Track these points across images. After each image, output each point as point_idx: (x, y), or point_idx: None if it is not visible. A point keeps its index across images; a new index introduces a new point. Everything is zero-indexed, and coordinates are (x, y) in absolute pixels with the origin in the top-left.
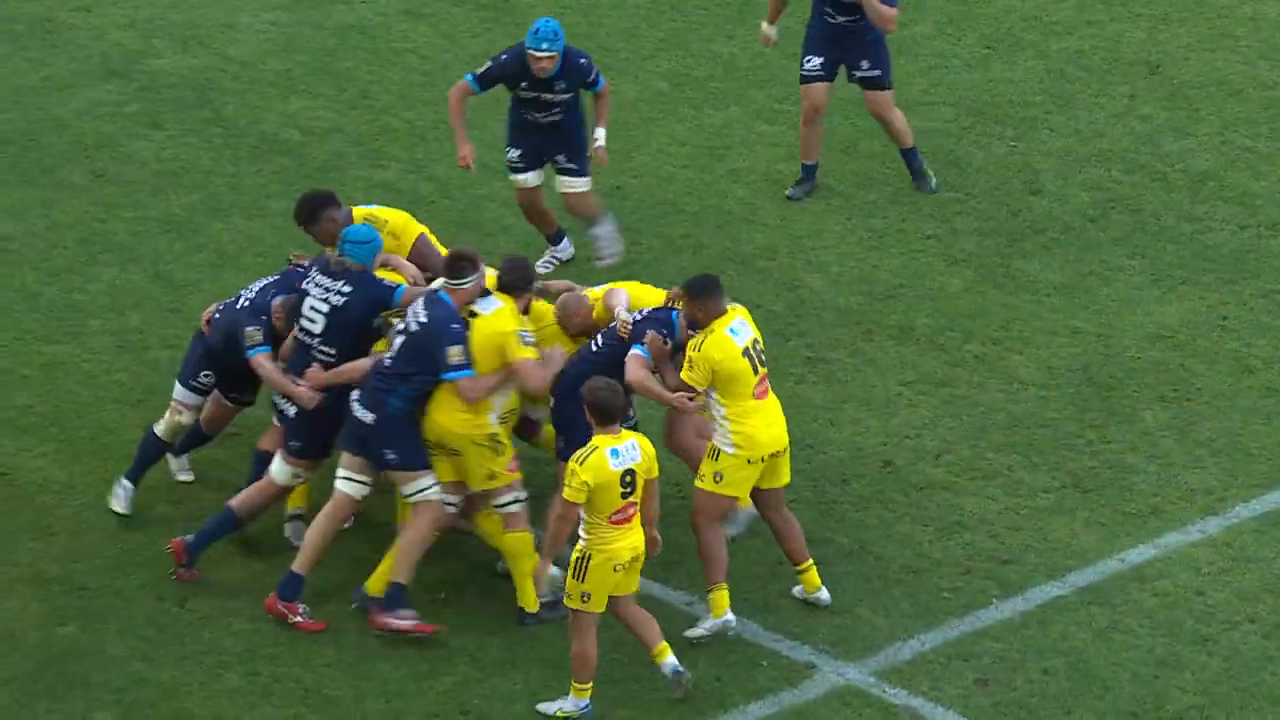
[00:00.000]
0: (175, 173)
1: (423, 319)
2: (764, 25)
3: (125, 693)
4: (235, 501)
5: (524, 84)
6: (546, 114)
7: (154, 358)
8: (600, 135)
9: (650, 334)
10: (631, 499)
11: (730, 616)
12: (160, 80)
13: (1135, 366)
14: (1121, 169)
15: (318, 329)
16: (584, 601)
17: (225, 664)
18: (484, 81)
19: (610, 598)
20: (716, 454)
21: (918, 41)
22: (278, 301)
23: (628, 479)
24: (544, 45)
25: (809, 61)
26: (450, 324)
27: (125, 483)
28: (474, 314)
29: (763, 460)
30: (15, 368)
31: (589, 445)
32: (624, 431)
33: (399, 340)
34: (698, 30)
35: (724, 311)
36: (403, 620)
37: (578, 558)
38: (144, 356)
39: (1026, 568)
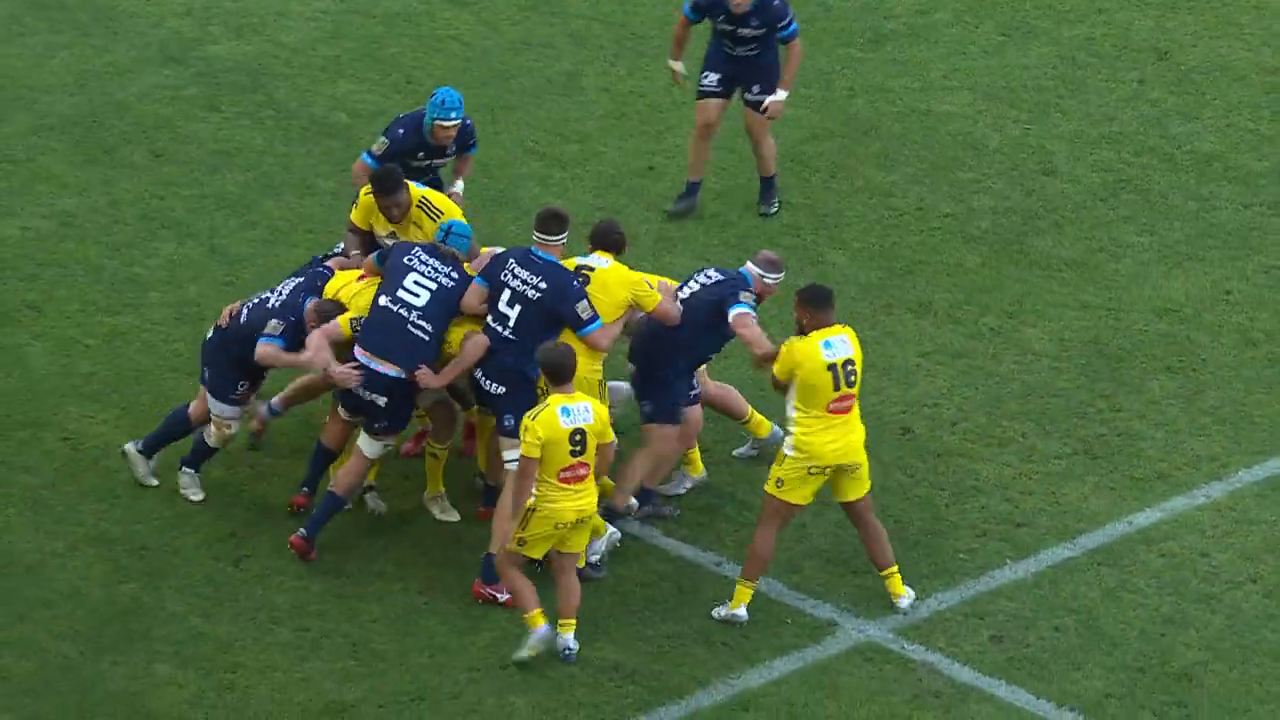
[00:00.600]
0: (230, 153)
1: (540, 285)
2: (672, 63)
3: (184, 646)
4: (336, 487)
5: (421, 154)
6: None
7: (210, 328)
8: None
9: (747, 293)
10: (582, 459)
11: (743, 613)
12: (216, 65)
13: (1143, 339)
14: (1131, 151)
15: (420, 303)
16: (520, 545)
17: (277, 619)
18: (381, 161)
19: (555, 550)
20: (781, 459)
21: (937, 29)
22: (311, 305)
23: (577, 438)
24: (451, 115)
25: (706, 78)
26: (571, 282)
27: (188, 470)
28: (589, 269)
29: (825, 471)
30: (80, 337)
31: (543, 402)
32: (578, 394)
33: (517, 310)
34: None
35: (829, 324)
36: (499, 591)
37: (526, 509)
38: (200, 327)
39: (1039, 530)
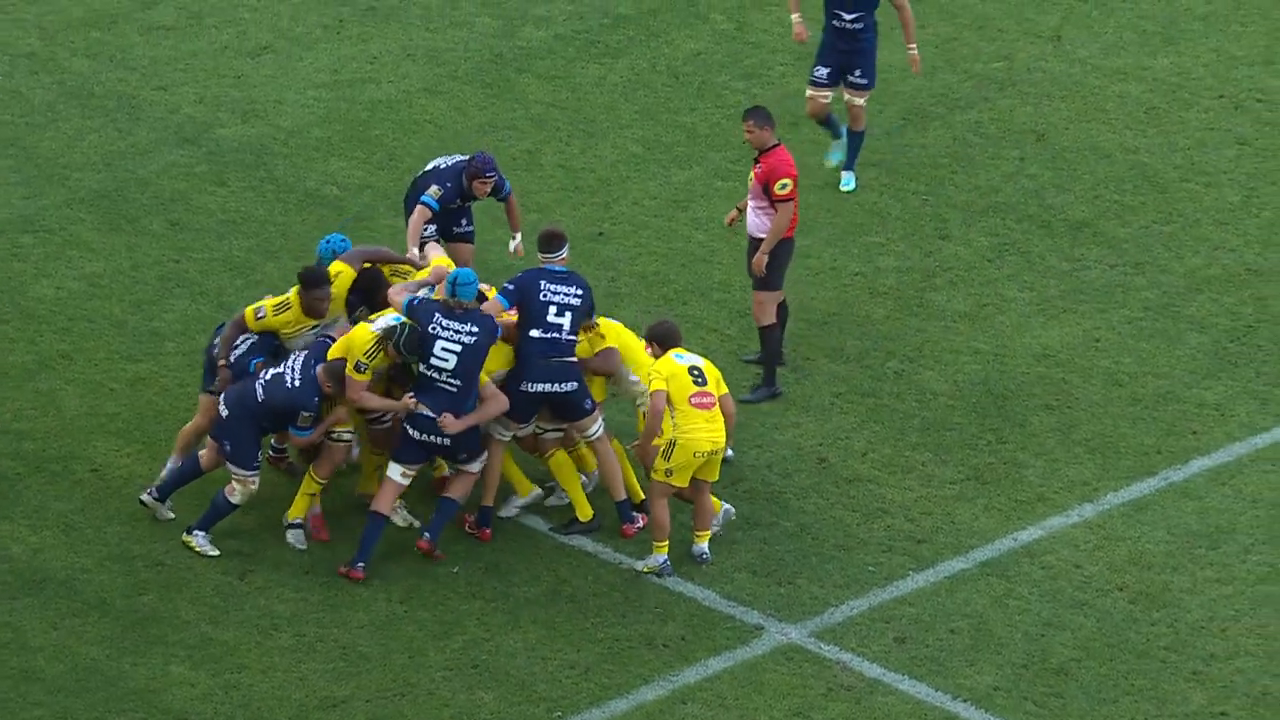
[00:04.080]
0: (236, 222)
1: (578, 292)
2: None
3: (195, 649)
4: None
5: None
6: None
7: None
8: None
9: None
10: (706, 388)
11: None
12: (224, 146)
13: (1025, 380)
14: (1013, 218)
15: (450, 365)
16: (667, 476)
17: (277, 626)
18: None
19: (694, 476)
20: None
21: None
22: (321, 370)
23: (696, 370)
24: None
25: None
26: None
27: (200, 533)
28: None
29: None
30: (106, 382)
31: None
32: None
33: (568, 318)
34: (666, 104)
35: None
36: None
37: (669, 440)
38: None
39: (937, 546)
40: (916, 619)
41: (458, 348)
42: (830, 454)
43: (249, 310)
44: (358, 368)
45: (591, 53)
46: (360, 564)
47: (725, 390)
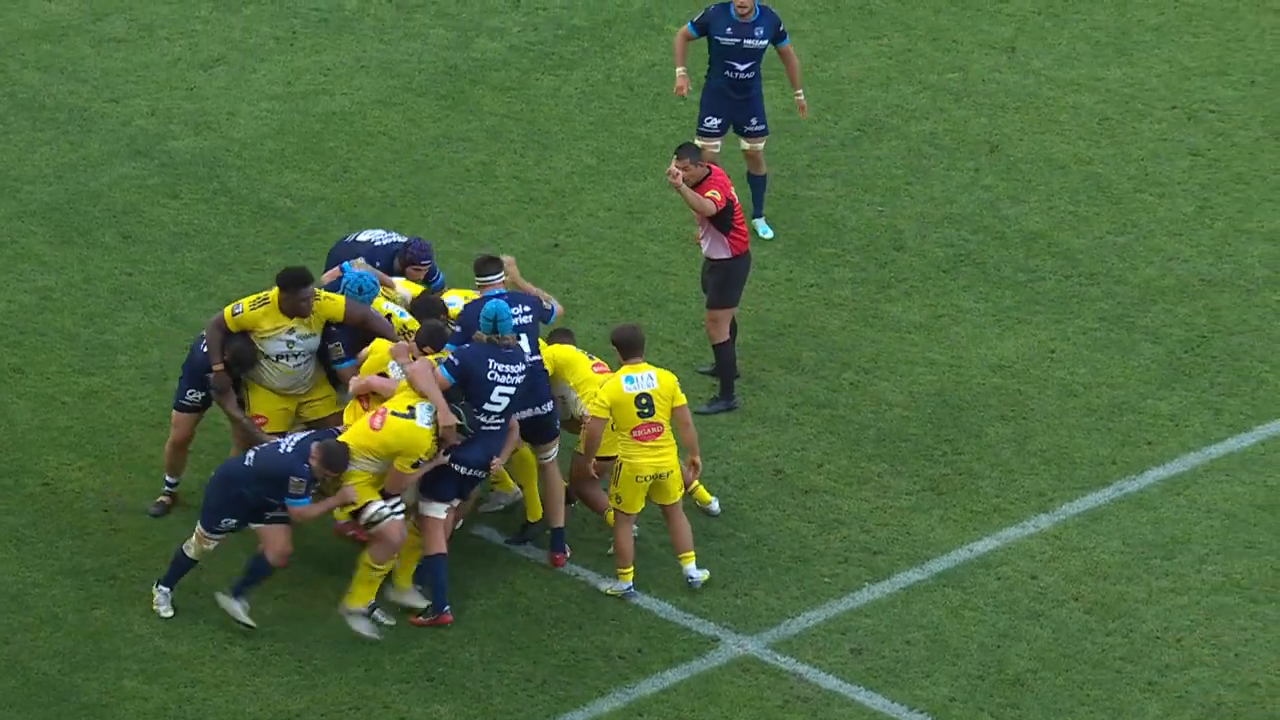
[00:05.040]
0: (189, 234)
1: (527, 309)
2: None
3: (149, 664)
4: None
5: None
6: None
7: (172, 387)
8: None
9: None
10: (652, 419)
11: (627, 585)
12: (177, 158)
13: (980, 391)
14: (968, 229)
15: (501, 408)
16: (618, 502)
17: (231, 640)
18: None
19: (658, 502)
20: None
21: (801, 125)
22: (318, 448)
23: (643, 400)
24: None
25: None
26: (532, 295)
27: (164, 589)
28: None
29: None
30: (58, 395)
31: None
32: (642, 364)
33: (525, 338)
34: (620, 116)
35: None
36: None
37: (615, 467)
38: (163, 386)
39: (893, 557)
40: (873, 630)
41: (512, 390)
42: (786, 465)
43: (227, 310)
44: (417, 465)
45: (546, 64)
46: (445, 607)
47: (683, 401)
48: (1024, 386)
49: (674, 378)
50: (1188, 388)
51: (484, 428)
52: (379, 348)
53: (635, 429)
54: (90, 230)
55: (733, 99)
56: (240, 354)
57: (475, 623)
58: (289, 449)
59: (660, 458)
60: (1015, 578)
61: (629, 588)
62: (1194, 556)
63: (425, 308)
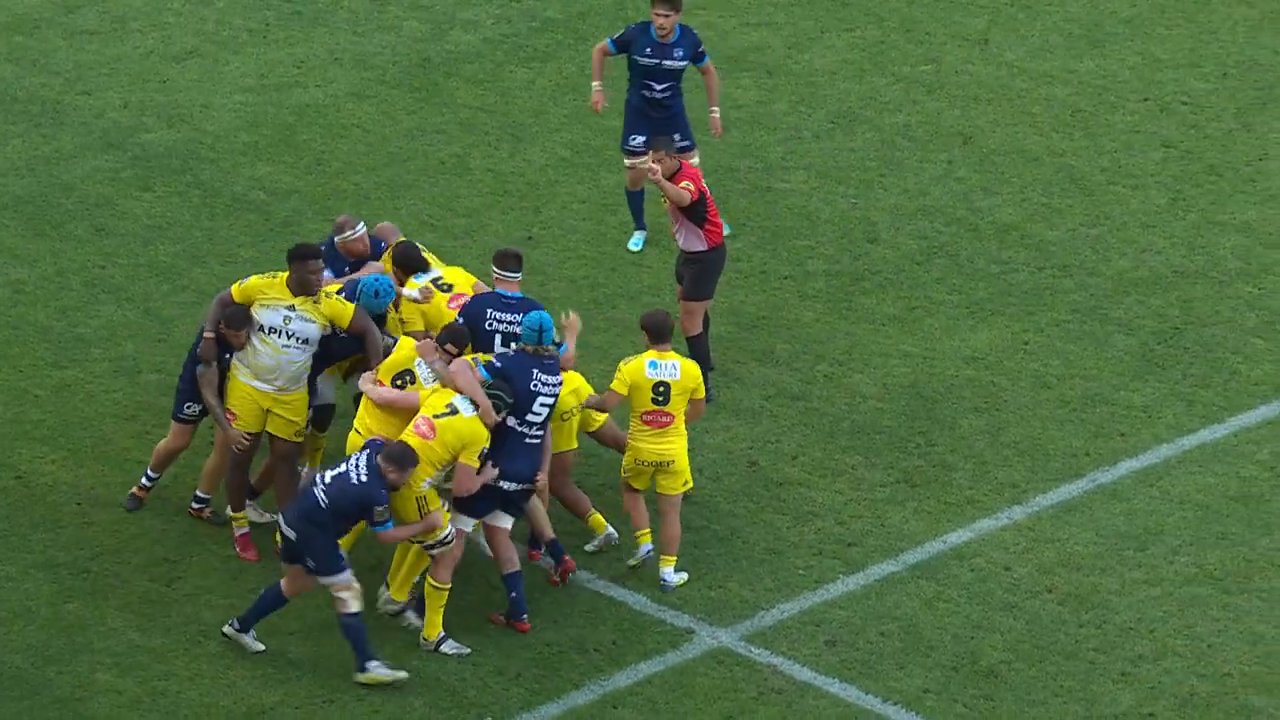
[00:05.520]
0: (162, 227)
1: (517, 319)
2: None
3: (122, 657)
4: (508, 566)
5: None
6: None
7: (145, 380)
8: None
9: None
10: (664, 408)
11: (648, 547)
12: (150, 150)
13: (954, 383)
14: (942, 221)
15: (542, 419)
16: (625, 475)
17: (205, 633)
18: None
19: (657, 493)
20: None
21: (775, 117)
22: (383, 459)
23: (660, 389)
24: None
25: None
26: (536, 304)
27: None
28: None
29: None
30: (30, 389)
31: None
32: (669, 352)
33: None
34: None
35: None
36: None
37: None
38: (137, 379)
39: (867, 549)
40: (847, 622)
41: (551, 400)
42: (760, 457)
43: (235, 283)
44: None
45: (519, 57)
46: (523, 615)
47: (702, 394)
48: (997, 378)
49: (698, 370)
50: (1160, 379)
51: (526, 440)
52: (405, 344)
53: (646, 414)
54: (63, 223)
55: (653, 117)
56: (233, 316)
57: (450, 616)
58: (361, 476)
59: (665, 445)
60: (989, 569)
61: (649, 549)
62: (1167, 548)
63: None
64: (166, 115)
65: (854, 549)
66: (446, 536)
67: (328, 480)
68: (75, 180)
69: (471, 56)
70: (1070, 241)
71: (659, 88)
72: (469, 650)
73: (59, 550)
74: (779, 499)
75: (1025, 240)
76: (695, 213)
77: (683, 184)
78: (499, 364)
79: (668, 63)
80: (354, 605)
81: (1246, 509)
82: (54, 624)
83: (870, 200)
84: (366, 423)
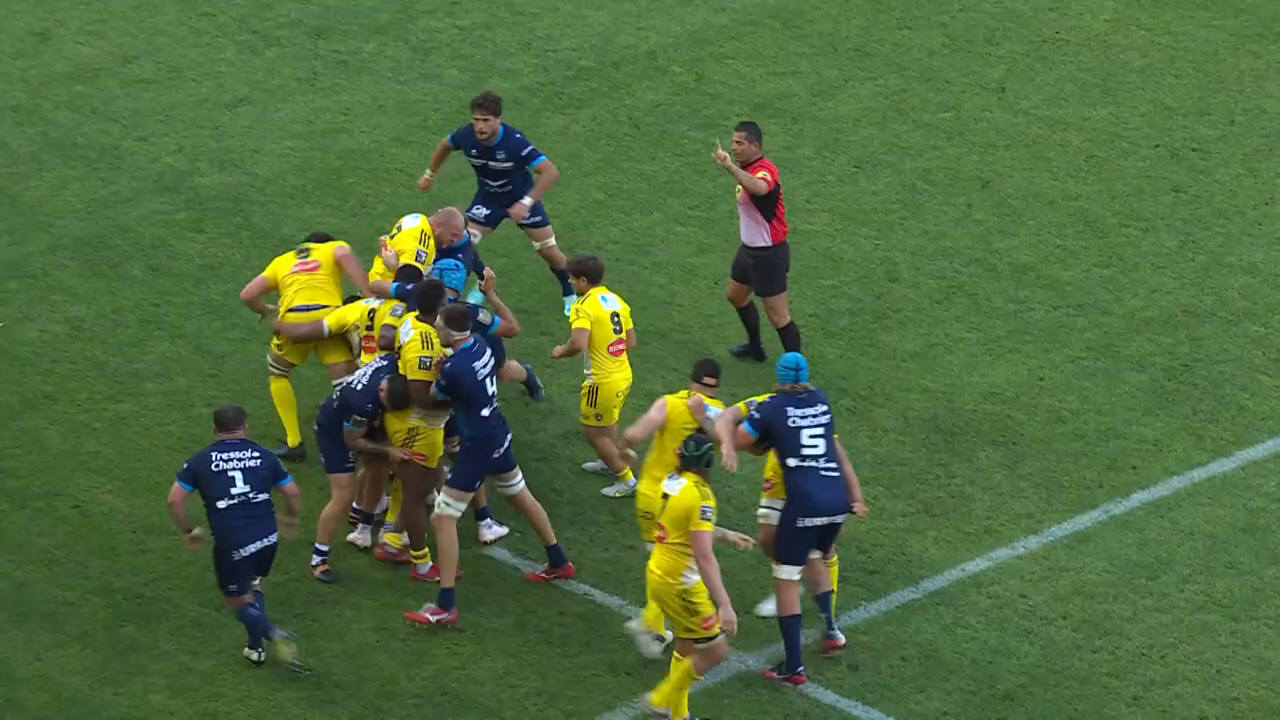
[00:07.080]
0: (214, 267)
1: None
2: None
3: (174, 679)
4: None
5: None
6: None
7: (197, 414)
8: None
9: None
10: (620, 335)
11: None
12: (203, 193)
13: (973, 417)
14: (961, 262)
15: (820, 451)
16: (598, 420)
17: None
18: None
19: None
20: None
21: (800, 161)
22: (384, 383)
23: (616, 318)
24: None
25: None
26: None
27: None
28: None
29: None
30: (88, 422)
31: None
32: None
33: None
34: (627, 153)
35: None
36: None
37: (590, 387)
38: (189, 413)
39: (888, 576)
40: (869, 647)
41: (819, 430)
42: None
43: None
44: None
45: (556, 104)
46: (799, 669)
47: (630, 325)
48: (1014, 413)
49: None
50: (1171, 414)
51: (821, 474)
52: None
53: (611, 345)
54: (119, 263)
55: (498, 198)
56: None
57: (487, 640)
58: (360, 383)
59: (627, 371)
60: (1006, 596)
61: (633, 484)
62: (1177, 576)
63: (407, 274)
64: (219, 160)
65: (876, 576)
66: (715, 636)
67: (344, 385)
68: (131, 222)
69: (510, 104)
70: (1084, 282)
71: (494, 184)
72: (662, 645)
73: (114, 576)
74: None
75: (1041, 280)
76: (766, 205)
77: (760, 174)
78: (758, 414)
79: (492, 164)
80: (346, 498)
81: (1254, 539)
82: (110, 647)
83: (892, 242)
84: (654, 473)
